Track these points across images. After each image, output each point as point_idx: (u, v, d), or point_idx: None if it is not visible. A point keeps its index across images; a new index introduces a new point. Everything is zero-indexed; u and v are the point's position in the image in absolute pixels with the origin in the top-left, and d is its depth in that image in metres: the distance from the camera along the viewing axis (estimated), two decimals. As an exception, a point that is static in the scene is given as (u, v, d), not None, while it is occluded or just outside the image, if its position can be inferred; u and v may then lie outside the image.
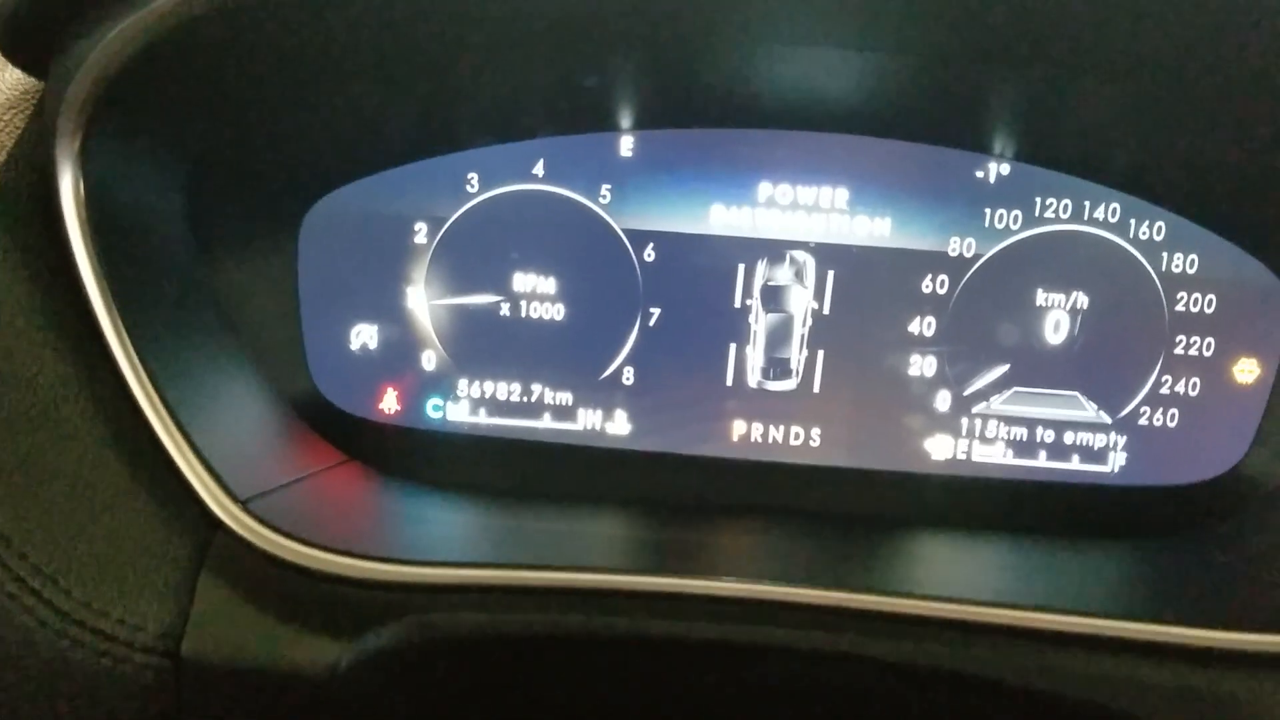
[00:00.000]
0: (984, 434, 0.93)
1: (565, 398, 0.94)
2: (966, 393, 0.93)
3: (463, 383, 0.94)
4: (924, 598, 0.73)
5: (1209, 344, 0.90)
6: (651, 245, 0.91)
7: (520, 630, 0.73)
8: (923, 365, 0.92)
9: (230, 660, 0.68)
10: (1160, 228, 0.89)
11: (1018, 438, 0.93)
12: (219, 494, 0.71)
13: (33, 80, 0.71)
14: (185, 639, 0.68)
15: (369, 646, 0.70)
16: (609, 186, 0.90)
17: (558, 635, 0.74)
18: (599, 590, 0.74)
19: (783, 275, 0.91)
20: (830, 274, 0.91)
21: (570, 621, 0.74)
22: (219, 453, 0.73)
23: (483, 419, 0.94)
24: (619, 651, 0.76)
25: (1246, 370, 0.90)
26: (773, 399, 0.93)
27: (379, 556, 0.72)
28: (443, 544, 0.82)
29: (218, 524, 0.71)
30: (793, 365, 0.93)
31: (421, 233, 0.91)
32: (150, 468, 0.70)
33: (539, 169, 0.90)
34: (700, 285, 0.92)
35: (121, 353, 0.70)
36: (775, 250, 0.91)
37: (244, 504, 0.71)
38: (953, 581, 0.82)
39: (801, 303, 0.92)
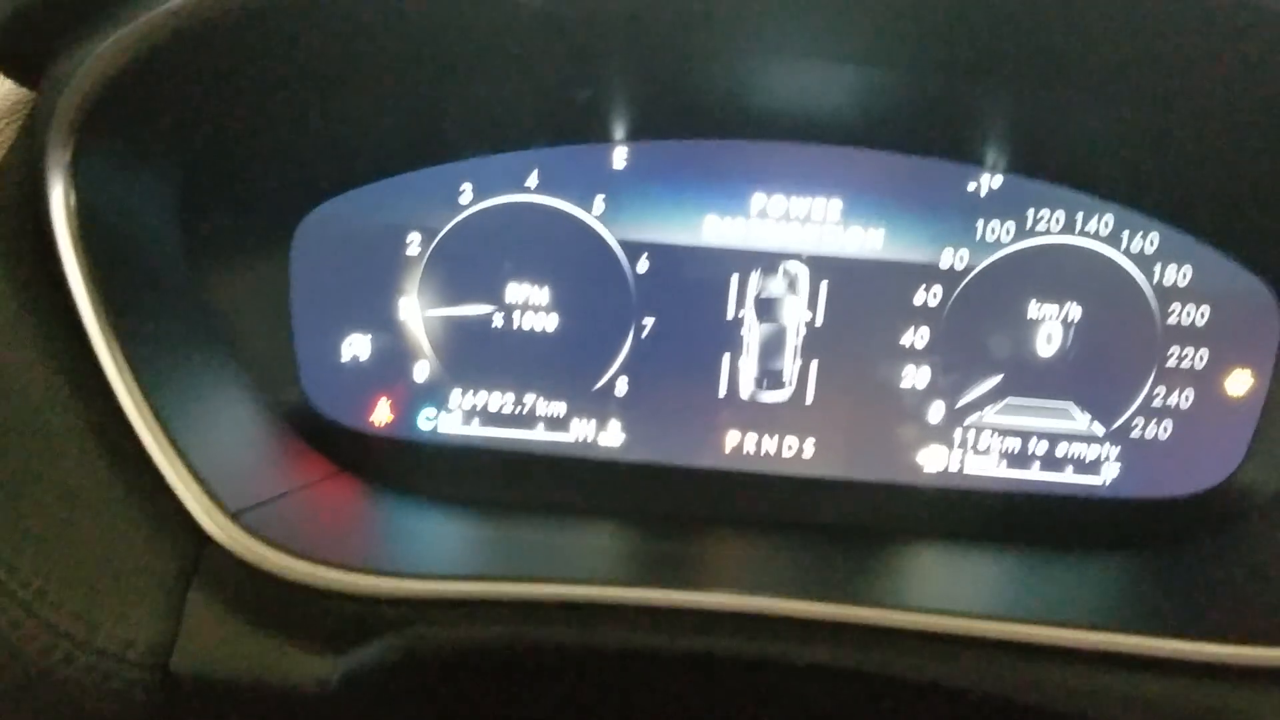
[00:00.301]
0: (977, 445, 0.93)
1: (558, 409, 0.94)
2: (959, 404, 0.93)
3: (455, 394, 0.93)
4: (917, 611, 0.73)
5: (1202, 356, 0.91)
6: (645, 256, 0.91)
7: (513, 644, 0.73)
8: (916, 377, 0.92)
9: (220, 675, 0.68)
10: (1153, 239, 0.89)
11: (1010, 449, 0.93)
12: (209, 507, 0.70)
13: (24, 91, 0.71)
14: (175, 653, 0.67)
15: (361, 661, 0.69)
16: (602, 197, 0.90)
17: (551, 649, 0.74)
18: (592, 604, 0.74)
19: (776, 286, 0.91)
20: (823, 285, 0.91)
21: (563, 635, 0.74)
22: (209, 465, 0.73)
23: (475, 430, 0.94)
24: (612, 665, 0.76)
25: (1240, 382, 0.91)
26: (766, 410, 0.93)
27: (371, 570, 0.71)
28: (435, 557, 0.82)
29: (208, 538, 0.70)
30: (786, 376, 0.93)
31: (414, 243, 0.91)
32: (140, 481, 0.70)
33: (532, 180, 0.90)
34: (694, 296, 0.92)
35: (112, 365, 0.70)
36: (769, 262, 0.91)
37: (234, 517, 0.71)
38: (946, 594, 0.82)
39: (795, 314, 0.91)
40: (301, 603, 0.71)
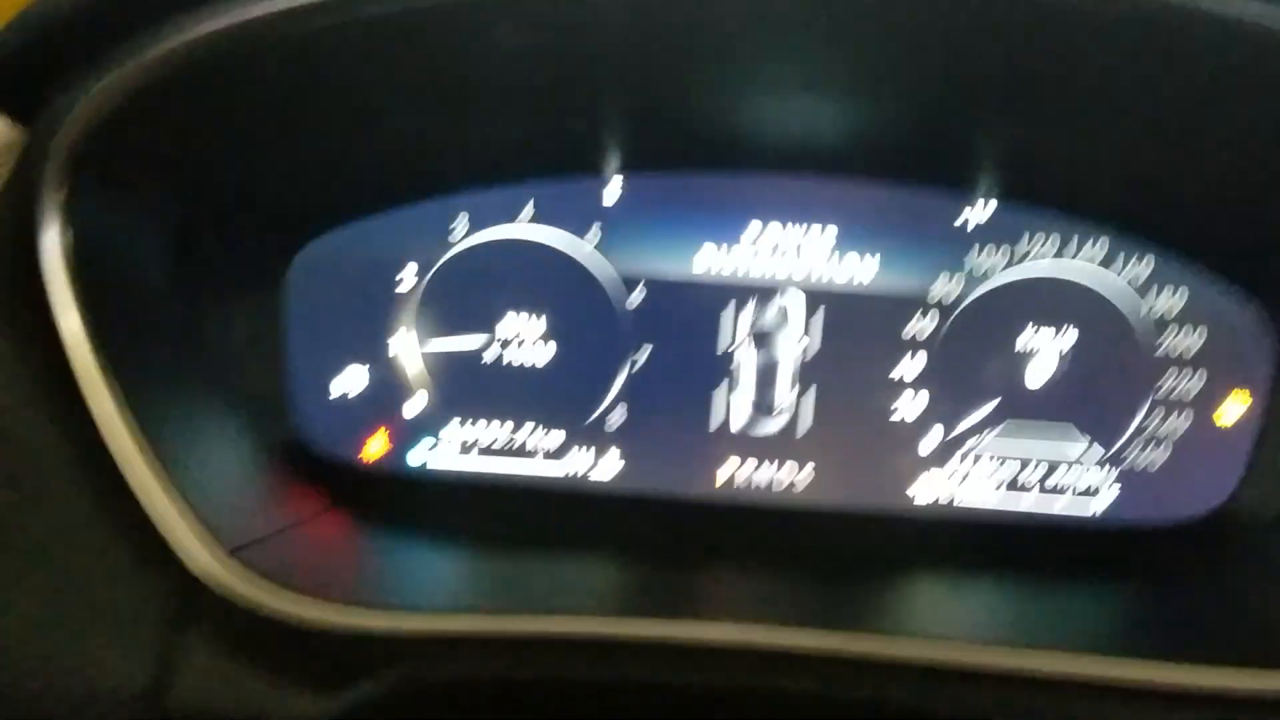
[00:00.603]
0: (973, 474, 0.93)
1: (553, 442, 0.93)
2: (954, 433, 0.92)
3: (450, 428, 0.93)
4: (914, 640, 0.73)
5: (1197, 381, 0.91)
6: (640, 289, 0.91)
7: (510, 678, 0.73)
8: (911, 406, 0.92)
9: (217, 715, 0.67)
10: (1147, 263, 0.90)
11: (1006, 478, 0.93)
12: (203, 547, 0.69)
13: (18, 130, 0.71)
14: (171, 694, 0.67)
15: (355, 698, 0.69)
16: (597, 229, 0.90)
17: (547, 682, 0.74)
18: (587, 637, 0.73)
19: (770, 318, 0.91)
20: (817, 317, 0.91)
21: (560, 668, 0.73)
22: (203, 503, 0.72)
23: (470, 464, 0.94)
24: (609, 698, 0.75)
25: (1235, 407, 0.91)
26: (761, 442, 0.93)
27: (365, 608, 0.71)
28: (430, 594, 0.81)
29: (201, 577, 0.70)
30: (781, 408, 0.92)
31: (409, 277, 0.91)
32: (134, 521, 0.69)
33: (526, 212, 0.90)
34: (688, 329, 0.92)
35: (105, 406, 0.70)
36: (763, 293, 0.91)
37: (227, 556, 0.70)
38: (944, 624, 0.82)
39: (789, 346, 0.92)
40: (296, 641, 0.70)
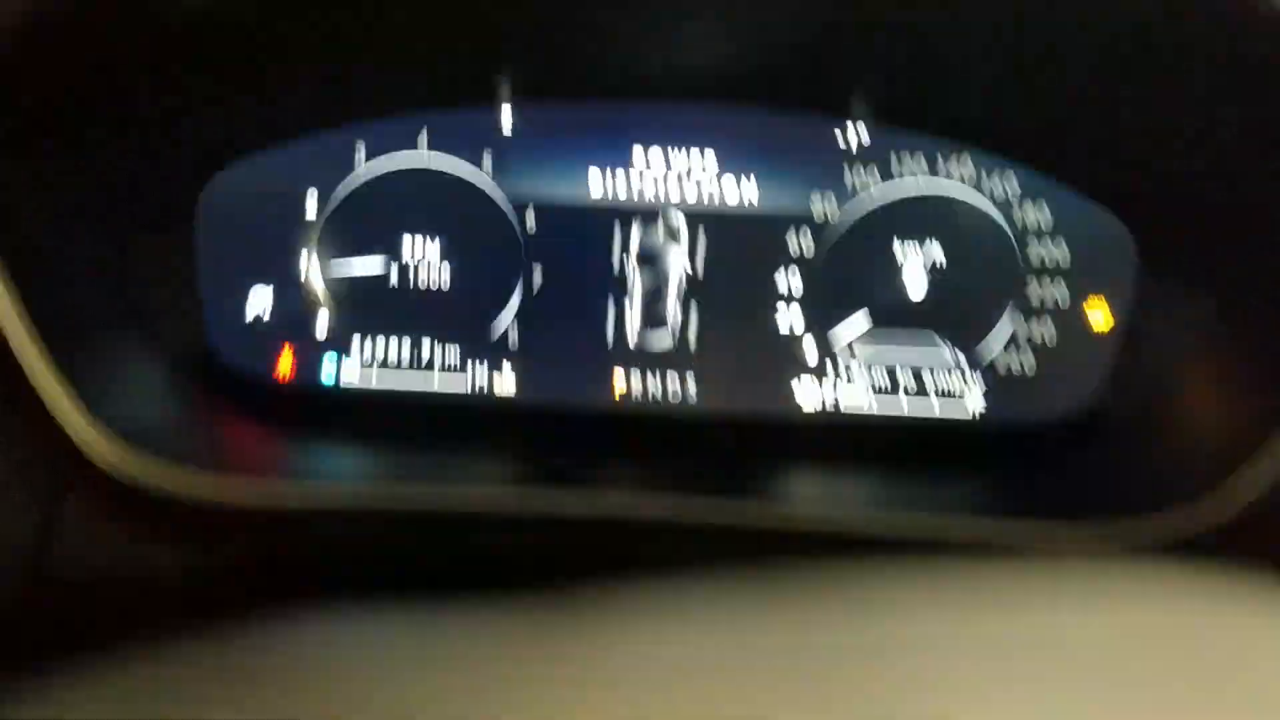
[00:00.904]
0: (851, 381, 0.98)
1: (453, 358, 0.98)
2: (833, 345, 0.97)
3: (355, 346, 0.98)
4: (793, 512, 0.78)
5: (1062, 293, 0.95)
6: (533, 214, 0.96)
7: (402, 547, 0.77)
8: (791, 320, 0.97)
9: (91, 579, 0.71)
10: (1012, 180, 0.95)
11: (882, 385, 0.98)
12: (82, 418, 0.73)
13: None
14: (49, 554, 0.70)
15: (224, 560, 0.73)
16: (490, 157, 0.96)
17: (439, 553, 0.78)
18: (485, 509, 0.78)
19: (657, 240, 0.96)
20: (701, 237, 0.96)
21: (454, 539, 0.78)
22: (102, 400, 0.76)
23: (374, 379, 0.98)
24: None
25: (1098, 316, 0.95)
26: (651, 356, 0.98)
27: (245, 480, 0.75)
28: (318, 470, 0.85)
29: (82, 447, 0.73)
30: (669, 324, 0.97)
31: (312, 206, 0.96)
32: (22, 396, 0.73)
33: (423, 140, 0.95)
34: (579, 250, 0.97)
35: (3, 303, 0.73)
36: (650, 216, 0.96)
37: (108, 428, 0.74)
38: (822, 503, 0.87)
39: (676, 265, 0.97)
40: (172, 509, 0.74)
